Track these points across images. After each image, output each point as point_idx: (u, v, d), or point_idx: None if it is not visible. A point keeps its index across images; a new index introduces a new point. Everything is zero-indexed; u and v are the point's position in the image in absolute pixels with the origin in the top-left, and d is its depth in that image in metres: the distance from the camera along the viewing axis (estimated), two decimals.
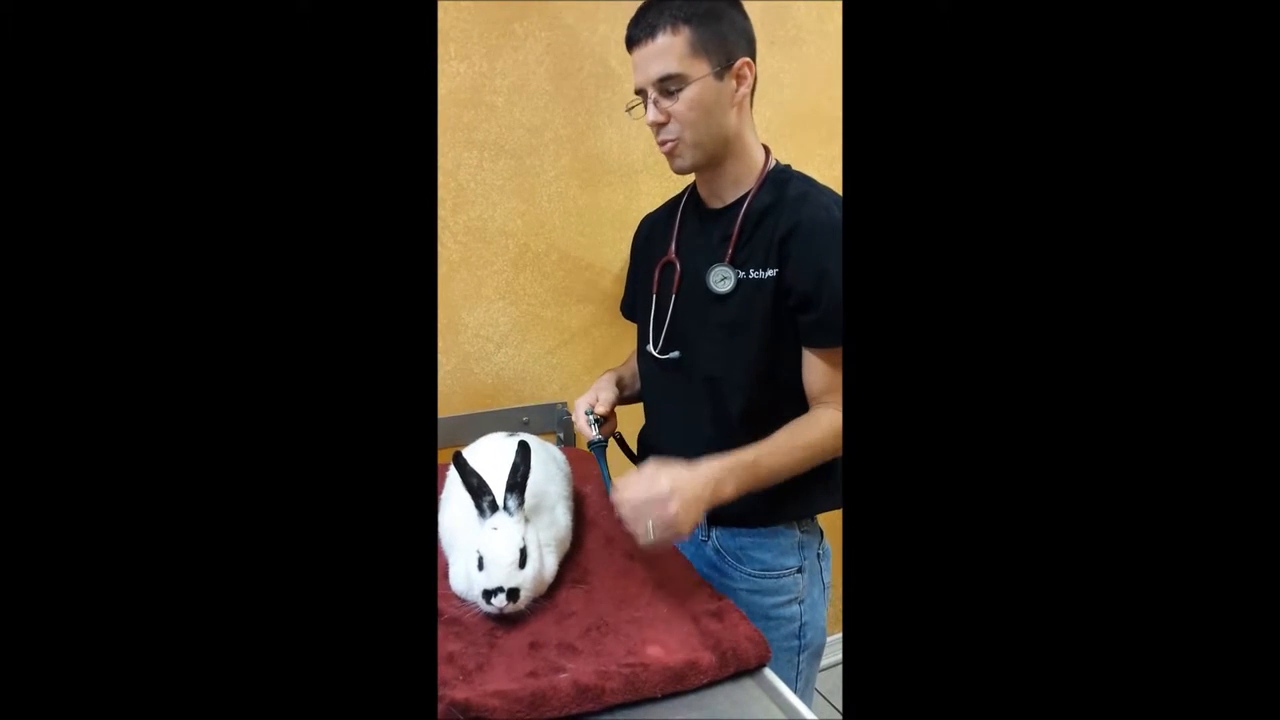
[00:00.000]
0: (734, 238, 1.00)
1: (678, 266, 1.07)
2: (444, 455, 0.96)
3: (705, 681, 0.77)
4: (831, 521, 1.06)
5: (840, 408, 0.95)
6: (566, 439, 1.48)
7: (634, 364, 1.20)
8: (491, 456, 0.92)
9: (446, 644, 0.79)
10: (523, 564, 0.83)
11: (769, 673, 0.80)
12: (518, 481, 0.86)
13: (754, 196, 1.01)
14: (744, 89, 0.98)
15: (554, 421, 1.49)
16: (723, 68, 0.94)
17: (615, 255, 1.49)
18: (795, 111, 1.62)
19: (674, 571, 0.94)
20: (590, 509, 1.10)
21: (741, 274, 0.99)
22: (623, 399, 1.15)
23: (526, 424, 1.44)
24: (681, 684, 0.76)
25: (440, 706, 0.69)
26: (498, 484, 0.86)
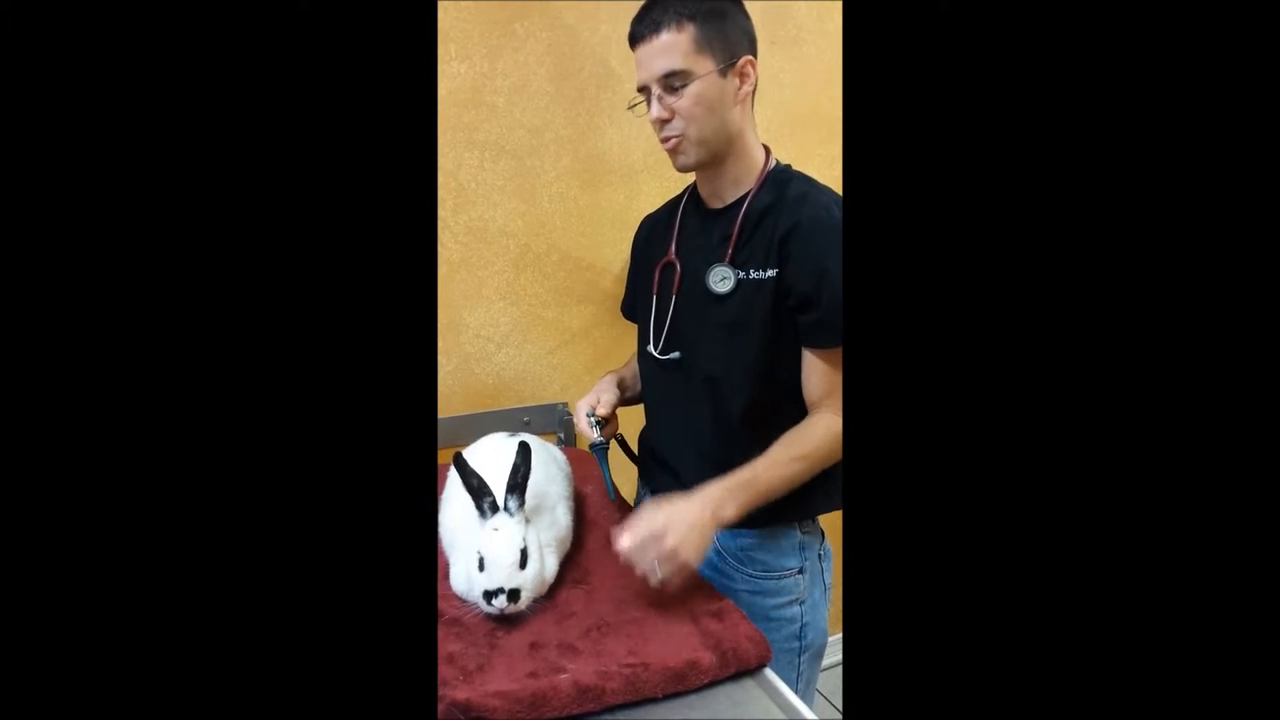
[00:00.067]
0: (734, 238, 1.00)
1: (678, 267, 1.07)
2: (444, 455, 0.96)
3: (706, 682, 0.77)
4: (833, 522, 1.06)
5: (839, 413, 0.95)
6: (567, 439, 1.48)
7: (635, 365, 1.20)
8: (492, 457, 0.92)
9: (447, 644, 0.79)
10: (523, 565, 0.83)
11: (769, 673, 0.80)
12: (518, 482, 0.86)
13: (754, 196, 1.01)
14: (747, 87, 0.98)
15: (555, 422, 1.49)
16: (726, 65, 0.95)
17: (616, 255, 1.49)
18: (795, 111, 1.62)
19: None
20: (591, 509, 1.10)
21: (741, 274, 0.99)
22: (624, 400, 1.15)
23: (527, 424, 1.44)
24: (682, 684, 0.76)
25: (440, 707, 0.69)
26: (498, 484, 0.86)
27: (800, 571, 1.05)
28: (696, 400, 1.04)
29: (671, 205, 1.16)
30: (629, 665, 0.75)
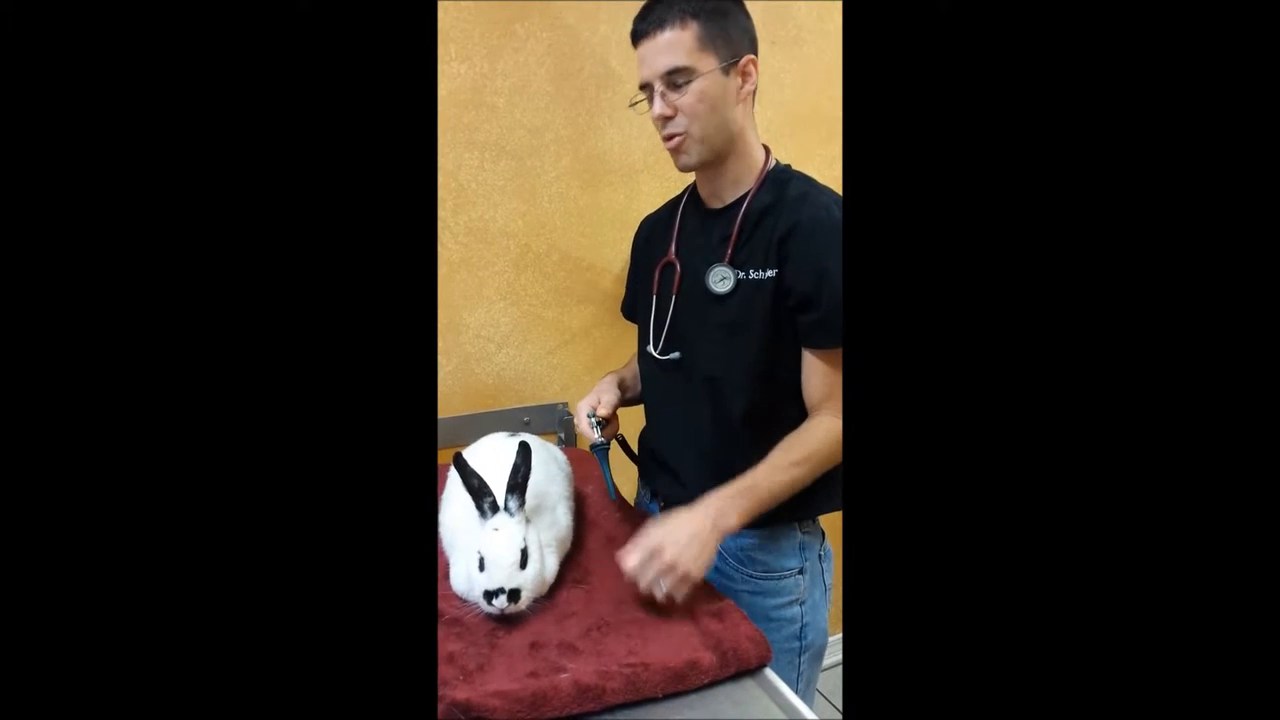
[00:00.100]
0: (733, 238, 1.00)
1: (677, 267, 1.07)
2: (445, 456, 0.96)
3: (706, 681, 0.77)
4: (833, 523, 1.06)
5: (839, 415, 0.95)
6: (567, 439, 1.48)
7: (635, 366, 1.20)
8: (492, 457, 0.92)
9: (447, 644, 0.79)
10: (524, 564, 0.83)
11: (770, 672, 0.80)
12: (518, 482, 0.86)
13: (753, 196, 1.01)
14: (749, 86, 0.98)
15: (555, 422, 1.49)
16: (729, 64, 0.95)
17: (616, 256, 1.49)
18: (795, 111, 1.62)
19: None
20: (591, 509, 1.10)
21: (741, 274, 0.99)
22: (625, 401, 1.15)
23: (527, 424, 1.44)
24: (682, 684, 0.76)
25: (441, 707, 0.69)
26: (498, 485, 0.86)
27: (800, 572, 1.05)
28: (696, 400, 1.04)
29: (671, 205, 1.16)
30: (629, 665, 0.75)
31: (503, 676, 0.74)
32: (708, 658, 0.78)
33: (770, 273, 0.96)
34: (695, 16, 0.93)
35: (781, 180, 1.01)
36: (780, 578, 1.05)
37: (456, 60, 1.32)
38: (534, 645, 0.79)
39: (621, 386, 1.15)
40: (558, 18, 1.38)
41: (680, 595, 0.84)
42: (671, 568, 0.84)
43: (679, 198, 1.15)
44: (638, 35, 0.97)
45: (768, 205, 0.99)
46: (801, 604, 1.06)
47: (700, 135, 0.96)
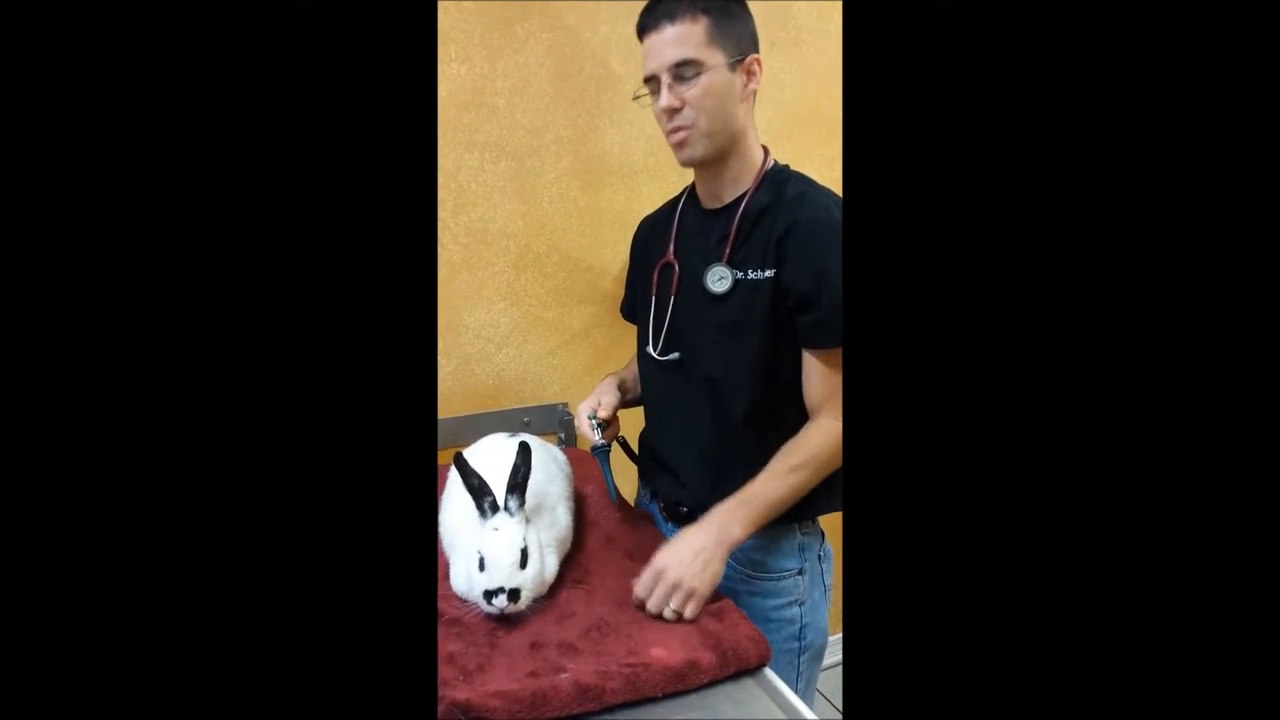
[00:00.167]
0: (731, 238, 1.00)
1: (676, 267, 1.07)
2: (445, 456, 0.96)
3: (706, 681, 0.77)
4: (833, 523, 1.06)
5: (839, 417, 0.95)
6: (567, 440, 1.48)
7: (635, 367, 1.20)
8: (492, 457, 0.92)
9: (447, 644, 0.79)
10: (523, 564, 0.83)
11: (769, 672, 0.80)
12: (518, 482, 0.86)
13: (751, 196, 1.01)
14: (753, 84, 0.99)
15: (555, 422, 1.49)
16: (736, 60, 0.95)
17: (616, 256, 1.49)
18: (795, 111, 1.62)
19: None
20: (591, 509, 1.10)
21: (739, 274, 0.99)
22: (625, 402, 1.15)
23: (527, 425, 1.44)
24: (682, 684, 0.76)
25: (441, 707, 0.69)
26: (498, 485, 0.86)
27: (800, 573, 1.05)
28: (696, 401, 1.04)
29: (670, 206, 1.16)
30: (629, 665, 0.75)
31: (503, 676, 0.74)
32: (707, 657, 0.78)
33: (769, 272, 0.96)
34: (705, 11, 0.93)
35: (780, 180, 1.01)
36: (780, 578, 1.05)
37: (457, 61, 1.32)
38: (534, 645, 0.79)
39: (622, 388, 1.15)
40: (558, 18, 1.38)
41: (689, 613, 0.85)
42: (677, 586, 0.85)
43: (677, 198, 1.15)
44: (644, 28, 0.97)
45: (766, 205, 0.99)
46: (801, 605, 1.06)
47: (706, 129, 0.96)
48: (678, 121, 0.96)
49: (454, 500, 0.94)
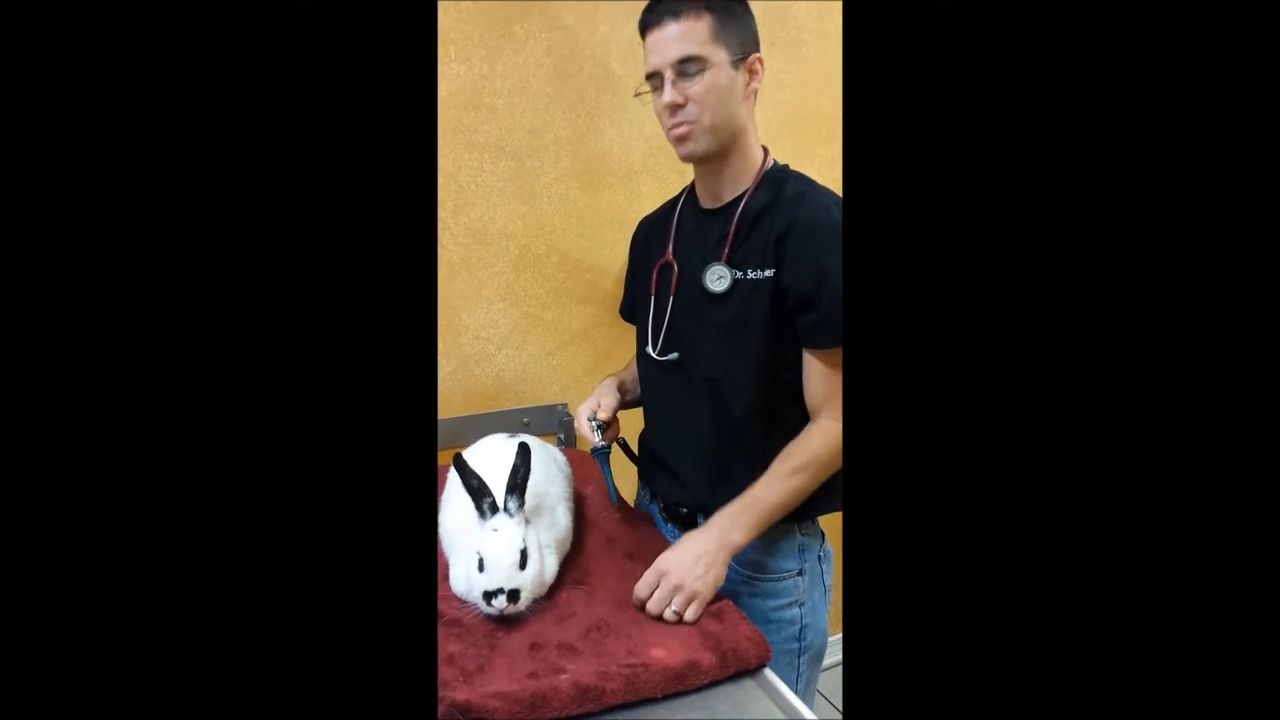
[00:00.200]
0: (730, 237, 1.00)
1: (675, 267, 1.07)
2: (444, 456, 0.96)
3: (706, 682, 0.77)
4: (833, 523, 1.06)
5: (839, 418, 0.95)
6: (567, 440, 1.48)
7: (634, 368, 1.20)
8: (492, 458, 0.92)
9: (447, 645, 0.79)
10: (523, 565, 0.83)
11: (769, 673, 0.80)
12: (518, 483, 0.86)
13: (751, 196, 1.01)
14: (755, 83, 0.99)
15: (554, 423, 1.49)
16: (738, 58, 0.95)
17: (616, 257, 1.49)
18: (795, 111, 1.62)
19: None
20: (591, 510, 1.10)
21: (739, 274, 0.99)
22: (625, 403, 1.15)
23: (527, 425, 1.44)
24: (682, 684, 0.76)
25: (440, 708, 0.69)
26: (498, 485, 0.86)
27: (800, 573, 1.05)
28: (696, 401, 1.04)
29: (669, 206, 1.16)
30: (629, 666, 0.75)
31: (502, 677, 0.74)
32: (707, 658, 0.78)
33: (768, 272, 0.96)
34: (709, 9, 0.93)
35: (779, 180, 1.01)
36: (780, 579, 1.05)
37: (456, 61, 1.32)
38: (533, 646, 0.79)
39: (621, 389, 1.15)
40: (557, 19, 1.38)
41: (690, 615, 0.85)
42: (678, 588, 0.85)
43: (676, 198, 1.15)
44: (647, 25, 0.97)
45: (765, 205, 0.99)
46: (801, 605, 1.05)
47: (710, 125, 0.96)
48: (680, 117, 0.96)
49: (453, 501, 0.94)
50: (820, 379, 0.97)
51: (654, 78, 0.97)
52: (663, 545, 0.96)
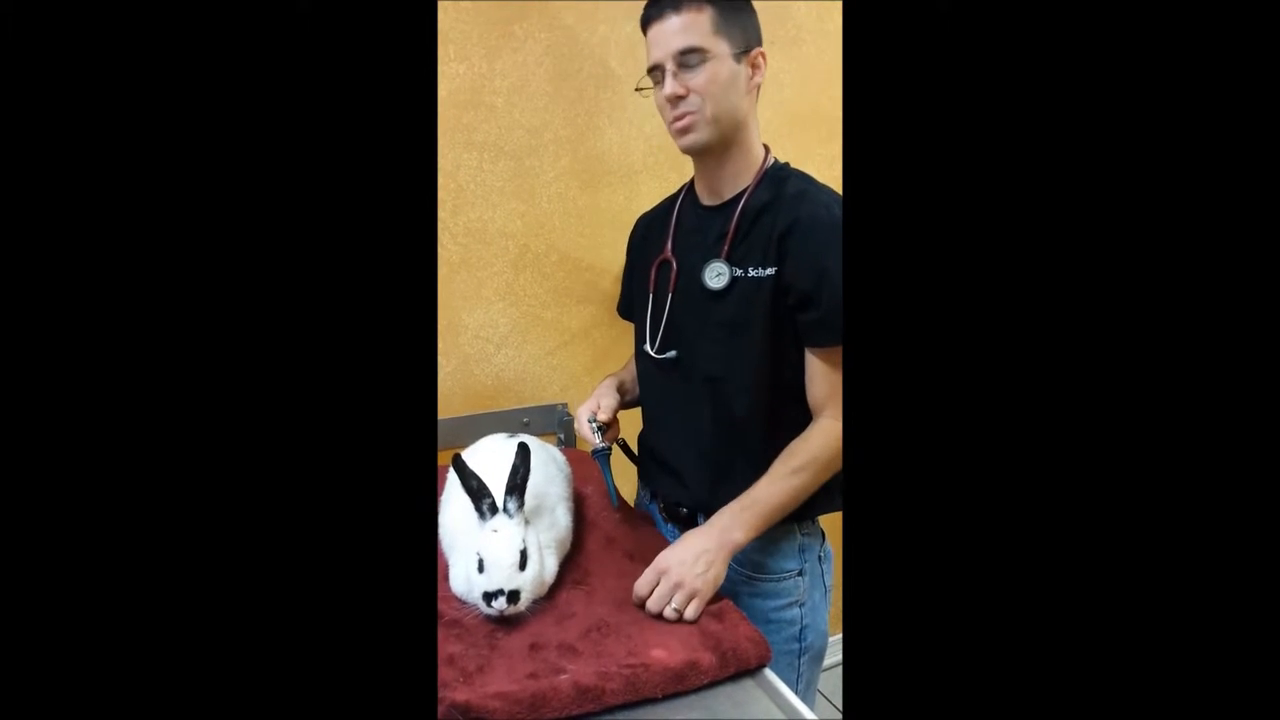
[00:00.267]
0: (730, 234, 1.00)
1: (674, 265, 1.07)
2: (444, 457, 0.96)
3: (706, 682, 0.77)
4: (833, 523, 1.06)
5: (840, 417, 0.95)
6: (567, 440, 1.48)
7: (634, 368, 1.20)
8: (491, 458, 0.92)
9: (447, 646, 0.79)
10: (523, 566, 0.83)
11: (769, 673, 0.80)
12: (517, 483, 0.86)
13: (751, 193, 1.00)
14: (757, 77, 0.99)
15: (554, 423, 1.49)
16: (741, 51, 0.95)
17: (615, 256, 1.49)
18: (795, 111, 1.61)
19: None
20: (590, 510, 1.10)
21: (738, 271, 0.98)
22: (624, 404, 1.15)
23: (527, 425, 1.44)
24: (682, 684, 0.76)
25: (440, 708, 0.69)
26: (498, 486, 0.86)
27: (800, 574, 1.05)
28: (696, 400, 1.04)
29: (668, 203, 1.16)
30: (629, 666, 0.75)
31: (502, 678, 0.74)
32: (707, 658, 0.78)
33: (770, 270, 0.96)
34: (711, 2, 0.94)
35: (780, 178, 1.01)
36: (780, 579, 1.04)
37: (455, 60, 1.32)
38: (533, 646, 0.79)
39: (621, 390, 1.15)
40: (556, 18, 1.38)
41: (690, 614, 0.85)
42: (678, 586, 0.85)
43: (675, 195, 1.15)
44: (649, 19, 0.97)
45: (766, 202, 0.99)
46: (801, 606, 1.05)
47: (712, 115, 0.95)
48: (682, 108, 0.96)
49: (453, 501, 0.94)
50: (822, 378, 0.97)
51: (655, 71, 0.97)
52: (662, 545, 0.96)
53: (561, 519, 0.98)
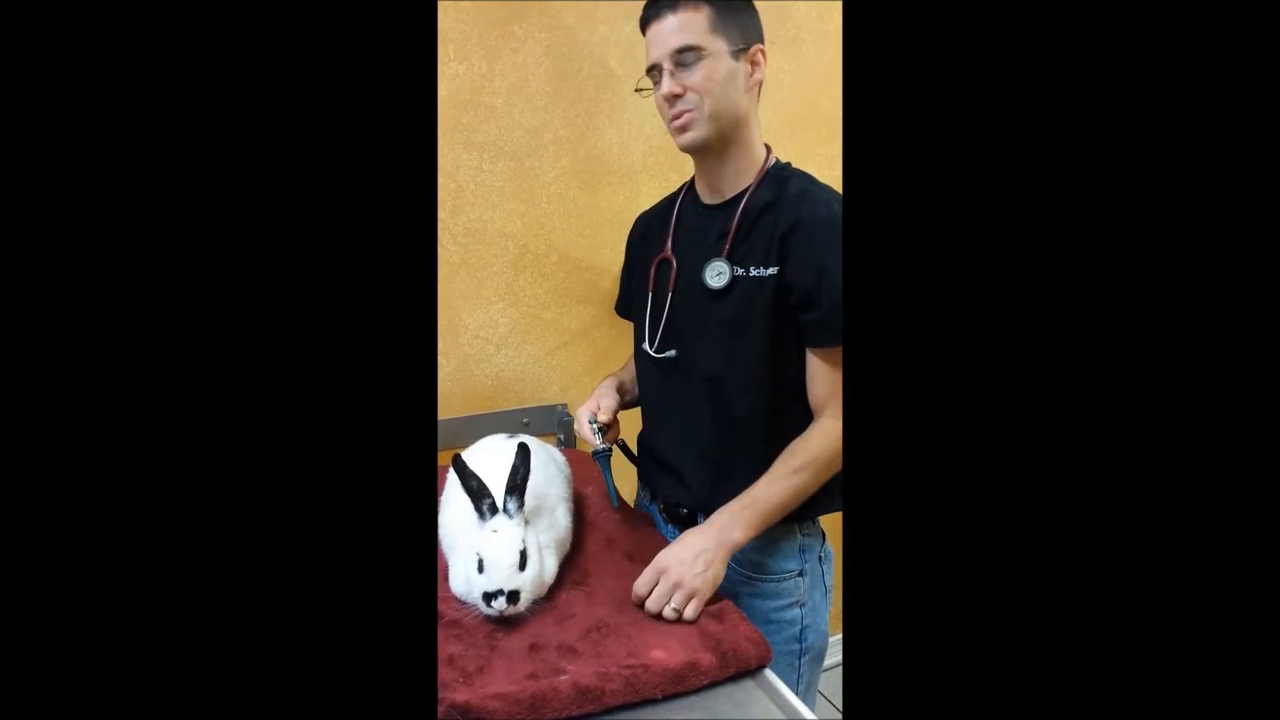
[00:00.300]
0: (732, 234, 1.00)
1: (674, 263, 1.07)
2: (444, 457, 0.96)
3: (706, 682, 0.77)
4: (833, 523, 1.06)
5: (841, 417, 0.95)
6: (567, 440, 1.48)
7: (634, 368, 1.20)
8: (491, 458, 0.92)
9: (446, 646, 0.79)
10: (523, 566, 0.83)
11: (769, 673, 0.80)
12: (517, 484, 0.86)
13: (753, 192, 1.00)
14: (757, 74, 0.98)
15: (554, 423, 1.48)
16: (740, 49, 0.95)
17: (615, 256, 1.48)
18: (795, 111, 1.61)
19: None
20: (590, 511, 1.10)
21: (740, 270, 0.98)
22: (624, 404, 1.15)
23: (527, 425, 1.44)
24: (682, 685, 0.76)
25: (440, 709, 0.68)
26: (497, 486, 0.86)
27: (800, 574, 1.05)
28: (696, 399, 1.04)
29: (668, 202, 1.16)
30: (628, 666, 0.75)
31: (502, 678, 0.74)
32: (707, 659, 0.78)
33: (771, 270, 0.96)
34: (708, 1, 0.93)
35: (781, 177, 1.01)
36: (780, 580, 1.04)
37: (455, 61, 1.32)
38: (533, 647, 0.79)
39: (620, 390, 1.15)
40: (556, 18, 1.38)
41: (690, 613, 0.85)
42: (678, 585, 0.85)
43: (675, 194, 1.15)
44: (647, 20, 0.97)
45: (768, 202, 0.99)
46: (801, 606, 1.05)
47: (710, 112, 0.95)
48: (680, 106, 0.96)
49: (453, 502, 0.94)
50: (823, 378, 0.97)
51: (654, 71, 0.97)
52: (662, 546, 0.96)
53: (561, 519, 0.98)
